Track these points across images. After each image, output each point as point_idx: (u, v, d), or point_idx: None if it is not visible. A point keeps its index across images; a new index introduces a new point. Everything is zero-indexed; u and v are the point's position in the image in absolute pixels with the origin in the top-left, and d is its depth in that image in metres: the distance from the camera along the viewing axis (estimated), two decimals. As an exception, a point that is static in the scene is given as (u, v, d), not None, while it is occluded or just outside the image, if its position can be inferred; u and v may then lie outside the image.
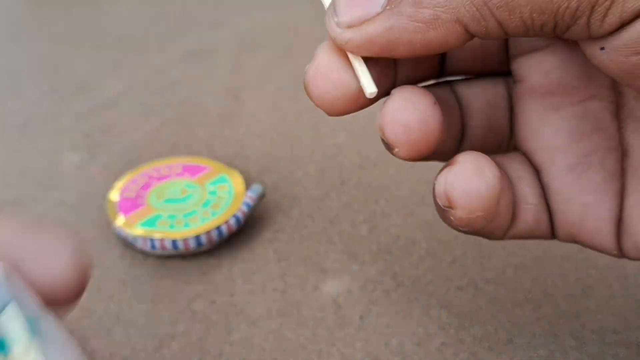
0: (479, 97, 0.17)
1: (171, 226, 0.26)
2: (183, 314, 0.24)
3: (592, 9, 0.11)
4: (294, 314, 0.24)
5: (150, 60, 0.44)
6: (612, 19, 0.11)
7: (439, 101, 0.15)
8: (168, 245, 0.26)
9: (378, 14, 0.13)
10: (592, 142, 0.16)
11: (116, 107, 0.39)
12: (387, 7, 0.13)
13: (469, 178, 0.14)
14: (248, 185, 0.31)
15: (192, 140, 0.35)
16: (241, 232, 0.28)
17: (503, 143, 0.18)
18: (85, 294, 0.25)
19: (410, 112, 0.14)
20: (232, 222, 0.27)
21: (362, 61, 0.15)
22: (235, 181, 0.29)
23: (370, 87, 0.15)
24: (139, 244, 0.26)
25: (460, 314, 0.24)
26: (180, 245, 0.26)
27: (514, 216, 0.16)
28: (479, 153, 0.15)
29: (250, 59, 0.45)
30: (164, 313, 0.24)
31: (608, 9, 0.11)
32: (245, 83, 0.41)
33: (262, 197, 0.29)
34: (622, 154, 0.16)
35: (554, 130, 0.16)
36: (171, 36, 0.48)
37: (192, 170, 0.30)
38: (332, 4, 0.14)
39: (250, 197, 0.28)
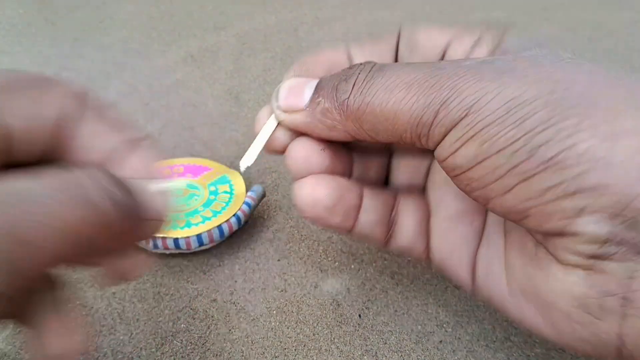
0: (407, 169, 0.22)
1: (173, 226, 0.26)
2: (184, 312, 0.24)
3: (429, 128, 0.16)
4: (293, 312, 0.24)
5: (153, 62, 0.45)
6: (437, 135, 0.16)
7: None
8: (170, 244, 0.26)
9: (301, 110, 0.19)
10: (467, 204, 0.20)
11: (119, 108, 0.39)
12: (308, 108, 0.18)
13: (304, 192, 0.19)
14: (249, 185, 0.31)
15: (193, 141, 0.35)
16: (242, 232, 0.29)
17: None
18: (88, 293, 0.25)
19: (298, 152, 0.19)
20: (233, 221, 0.27)
21: (264, 139, 0.20)
22: (236, 181, 0.29)
23: (246, 161, 0.19)
24: (142, 243, 0.26)
25: (457, 312, 0.24)
26: (182, 244, 0.26)
27: (391, 237, 0.21)
28: (321, 177, 0.19)
29: (251, 61, 0.45)
30: (165, 311, 0.24)
31: (432, 129, 0.16)
32: (245, 85, 0.42)
33: (262, 197, 0.29)
34: (485, 217, 0.20)
35: (443, 190, 0.21)
36: (173, 38, 0.49)
37: (194, 171, 0.30)
38: (277, 90, 0.19)
39: (251, 197, 0.28)
